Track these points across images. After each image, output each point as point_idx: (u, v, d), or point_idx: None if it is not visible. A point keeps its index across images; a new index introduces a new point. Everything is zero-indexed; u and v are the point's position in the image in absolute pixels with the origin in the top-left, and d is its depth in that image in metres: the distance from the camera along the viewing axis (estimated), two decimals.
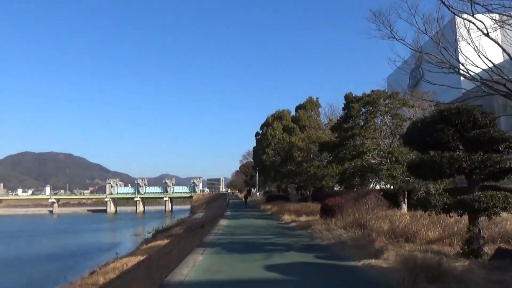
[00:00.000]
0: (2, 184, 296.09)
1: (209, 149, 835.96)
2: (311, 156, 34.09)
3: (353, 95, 24.11)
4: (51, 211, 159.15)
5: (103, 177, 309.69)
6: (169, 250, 23.16)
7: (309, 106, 40.26)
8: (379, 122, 22.25)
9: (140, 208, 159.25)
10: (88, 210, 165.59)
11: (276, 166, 38.98)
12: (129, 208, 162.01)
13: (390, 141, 22.26)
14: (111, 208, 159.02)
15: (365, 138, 21.84)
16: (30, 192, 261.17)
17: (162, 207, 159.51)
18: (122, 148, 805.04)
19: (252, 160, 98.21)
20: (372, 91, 23.67)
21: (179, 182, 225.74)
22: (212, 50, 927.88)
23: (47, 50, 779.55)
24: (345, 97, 24.56)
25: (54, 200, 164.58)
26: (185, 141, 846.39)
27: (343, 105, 24.56)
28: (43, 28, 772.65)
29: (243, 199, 58.92)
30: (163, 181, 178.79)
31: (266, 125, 40.00)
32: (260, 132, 41.90)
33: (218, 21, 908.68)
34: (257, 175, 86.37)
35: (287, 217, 23.48)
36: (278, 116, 39.69)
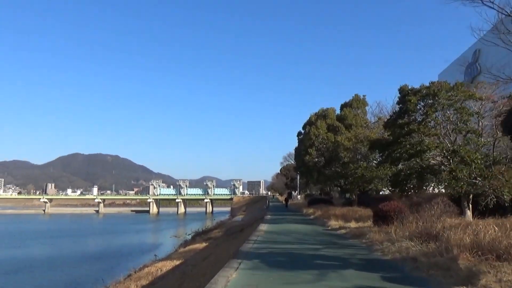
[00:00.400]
0: (53, 184, 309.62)
1: (250, 151, 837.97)
2: (358, 156, 31.40)
3: (409, 87, 21.37)
4: (97, 211, 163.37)
5: (147, 178, 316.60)
6: (206, 256, 21.65)
7: (355, 104, 37.53)
8: (441, 117, 19.38)
9: (182, 209, 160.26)
10: (132, 211, 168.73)
11: (320, 167, 36.44)
12: (171, 209, 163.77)
13: (454, 138, 19.35)
14: (153, 209, 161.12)
15: (424, 135, 19.05)
16: (79, 192, 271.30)
17: (203, 209, 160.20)
18: (165, 150, 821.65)
19: (293, 162, 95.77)
20: (432, 82, 20.85)
21: (220, 184, 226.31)
22: (253, 46, 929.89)
23: (95, 53, 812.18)
24: (399, 90, 21.83)
25: (100, 200, 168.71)
26: (227, 144, 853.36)
27: (397, 99, 21.85)
28: (100, 29, 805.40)
29: (284, 202, 56.69)
30: (204, 183, 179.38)
31: (309, 124, 37.55)
32: (303, 131, 39.47)
33: (264, 17, 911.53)
34: (298, 177, 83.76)
35: (333, 223, 21.05)
36: (322, 115, 37.16)
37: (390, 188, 27.56)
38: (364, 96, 38.73)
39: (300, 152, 38.07)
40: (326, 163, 35.96)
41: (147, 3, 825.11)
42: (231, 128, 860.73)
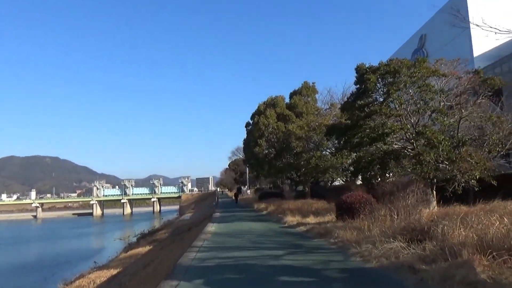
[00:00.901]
0: None
1: (198, 148, 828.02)
2: (311, 146, 29.36)
3: (366, 66, 19.36)
4: (35, 216, 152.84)
5: (91, 179, 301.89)
6: (147, 262, 18.81)
7: (305, 92, 35.54)
8: (404, 96, 17.49)
9: (128, 210, 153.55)
10: (74, 214, 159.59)
11: (271, 159, 34.09)
12: (117, 210, 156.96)
13: (417, 119, 17.55)
14: (97, 211, 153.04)
15: (385, 117, 17.08)
16: (15, 197, 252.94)
17: (151, 208, 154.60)
18: (109, 149, 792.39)
19: (242, 156, 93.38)
20: (390, 60, 18.97)
21: (168, 182, 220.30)
22: (195, 44, 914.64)
23: (29, 49, 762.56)
24: (356, 68, 19.75)
25: (38, 205, 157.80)
26: (173, 141, 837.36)
27: (355, 79, 19.75)
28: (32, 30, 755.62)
29: (234, 198, 54.06)
30: (151, 182, 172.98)
31: (257, 113, 35.01)
32: (251, 122, 36.90)
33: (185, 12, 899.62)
34: (247, 171, 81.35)
35: (290, 219, 18.61)
36: (271, 104, 34.76)
37: (348, 177, 25.74)
38: (313, 83, 36.91)
39: (249, 143, 35.45)
40: (277, 154, 33.65)
41: None
42: (177, 125, 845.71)
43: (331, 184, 35.03)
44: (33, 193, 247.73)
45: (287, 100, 36.56)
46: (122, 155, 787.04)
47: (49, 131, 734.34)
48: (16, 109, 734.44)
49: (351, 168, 19.68)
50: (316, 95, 36.82)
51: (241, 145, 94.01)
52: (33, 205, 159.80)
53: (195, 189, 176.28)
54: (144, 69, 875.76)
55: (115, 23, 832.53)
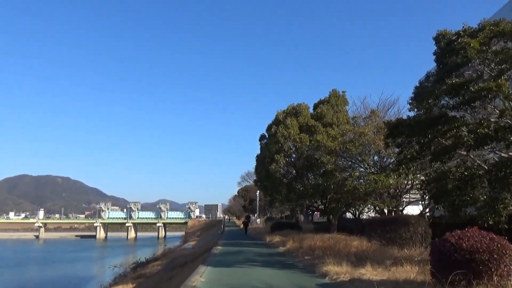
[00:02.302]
0: None
1: (208, 174, 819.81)
2: (345, 163, 22.01)
3: (454, 31, 12.27)
4: (37, 236, 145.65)
5: (100, 201, 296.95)
6: None
7: (333, 101, 28.47)
8: None
9: (132, 234, 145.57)
10: (77, 236, 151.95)
11: (290, 180, 26.63)
12: (121, 234, 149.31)
13: None
14: (100, 234, 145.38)
15: (505, 98, 9.88)
16: (23, 215, 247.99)
17: (156, 234, 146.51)
18: (120, 173, 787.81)
19: (252, 181, 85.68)
20: (496, 21, 11.82)
21: (177, 207, 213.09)
22: (206, 61, 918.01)
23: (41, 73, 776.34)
24: (437, 37, 12.68)
25: (41, 225, 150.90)
26: (184, 167, 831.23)
27: (435, 54, 12.59)
28: (45, 42, 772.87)
29: (242, 227, 46.30)
30: (157, 206, 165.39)
31: (275, 123, 27.61)
32: (267, 134, 29.61)
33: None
34: (258, 197, 73.54)
35: (334, 269, 10.85)
36: (293, 112, 27.38)
37: (402, 206, 18.17)
38: (344, 92, 29.88)
39: (263, 160, 27.91)
40: (298, 174, 26.26)
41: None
42: (188, 150, 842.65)
43: (358, 216, 27.45)
44: (41, 213, 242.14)
45: (311, 110, 29.43)
46: (133, 178, 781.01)
47: (62, 151, 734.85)
48: (31, 127, 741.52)
49: (434, 190, 12.08)
50: (346, 107, 29.68)
51: (252, 169, 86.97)
52: (36, 224, 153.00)
53: (203, 215, 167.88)
54: (156, 98, 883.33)
55: (115, 55, 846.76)
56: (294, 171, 26.69)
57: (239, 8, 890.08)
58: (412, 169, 13.53)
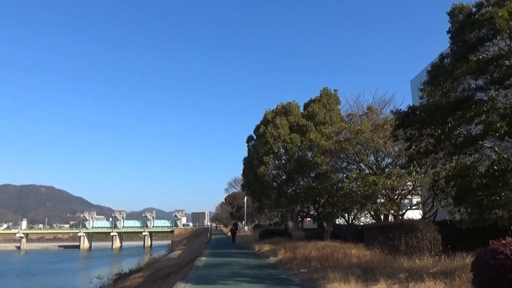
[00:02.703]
0: None
1: (196, 183, 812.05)
2: (339, 164, 20.04)
3: (474, 3, 10.45)
4: (18, 247, 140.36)
5: (85, 210, 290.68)
6: None
7: (325, 100, 26.64)
8: None
9: (117, 243, 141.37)
10: (60, 246, 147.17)
11: (281, 184, 24.59)
12: (107, 244, 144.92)
13: None
14: (84, 244, 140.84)
15: None
16: (5, 226, 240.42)
17: (141, 243, 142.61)
18: (105, 181, 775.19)
19: (239, 188, 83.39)
20: None
21: (164, 216, 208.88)
22: (190, 76, 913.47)
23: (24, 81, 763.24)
24: (452, 12, 10.86)
25: (22, 235, 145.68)
26: (171, 175, 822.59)
27: (450, 32, 10.76)
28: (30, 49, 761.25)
29: (230, 235, 44.00)
30: (143, 215, 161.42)
31: (264, 123, 25.52)
32: (255, 136, 27.50)
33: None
34: (245, 205, 71.30)
35: (340, 287, 8.84)
36: (282, 111, 25.45)
37: (401, 211, 16.22)
38: (335, 91, 28.05)
39: (251, 163, 25.71)
40: (289, 177, 24.25)
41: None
42: (175, 158, 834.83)
43: (351, 222, 25.47)
44: (24, 223, 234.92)
45: (301, 110, 27.47)
46: (119, 187, 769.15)
47: (45, 160, 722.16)
48: (13, 137, 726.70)
49: (457, 189, 10.11)
50: (339, 106, 27.80)
51: (239, 176, 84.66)
52: (17, 235, 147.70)
53: (190, 224, 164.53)
54: (139, 105, 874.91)
55: (101, 60, 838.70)
56: (284, 174, 24.66)
57: (224, 13, 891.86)
58: (425, 165, 11.58)
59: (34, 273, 68.17)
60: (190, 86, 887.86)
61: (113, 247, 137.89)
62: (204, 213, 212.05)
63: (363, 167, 19.02)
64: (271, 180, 24.51)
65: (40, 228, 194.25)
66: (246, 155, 28.16)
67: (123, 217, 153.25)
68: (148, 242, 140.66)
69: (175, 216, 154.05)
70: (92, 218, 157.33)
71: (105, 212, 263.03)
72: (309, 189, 21.10)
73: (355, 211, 17.69)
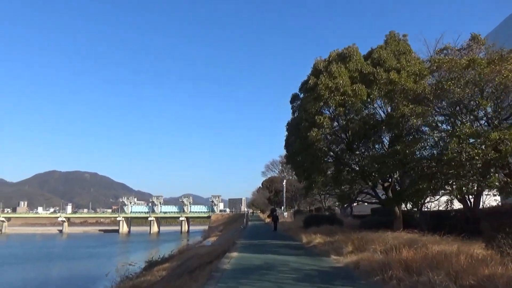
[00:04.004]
0: (26, 202, 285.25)
1: (233, 169, 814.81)
2: (438, 118, 13.09)
3: None
4: (60, 231, 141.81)
5: (127, 196, 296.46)
6: None
7: (393, 47, 19.72)
8: None
9: (155, 228, 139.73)
10: (100, 230, 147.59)
11: (340, 153, 17.92)
12: (145, 228, 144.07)
13: None
14: (123, 228, 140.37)
15: None
16: (52, 210, 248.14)
17: (179, 228, 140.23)
18: (146, 167, 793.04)
19: (278, 171, 76.96)
20: None
21: (201, 202, 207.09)
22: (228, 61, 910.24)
23: (70, 70, 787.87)
24: None
25: (64, 219, 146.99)
26: (210, 161, 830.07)
27: None
28: (74, 39, 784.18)
29: (271, 222, 37.66)
30: (180, 200, 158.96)
31: (314, 74, 19.07)
32: (300, 94, 20.70)
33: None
34: (284, 189, 64.94)
35: None
36: (341, 57, 18.60)
37: None
38: (404, 36, 20.95)
39: (296, 127, 18.86)
40: (350, 145, 17.51)
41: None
42: (214, 144, 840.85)
43: (421, 207, 18.67)
44: (69, 207, 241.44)
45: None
46: (158, 174, 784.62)
47: (90, 147, 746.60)
48: (60, 123, 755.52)
49: None
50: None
51: (277, 158, 77.99)
52: (59, 219, 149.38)
53: (227, 209, 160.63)
54: (182, 94, 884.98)
55: (149, 51, 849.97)
56: (346, 140, 17.89)
57: None
58: None
59: (70, 258, 66.36)
60: (228, 72, 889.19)
61: (151, 232, 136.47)
62: (241, 199, 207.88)
63: (475, 119, 12.08)
64: (326, 148, 17.89)
65: (84, 213, 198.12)
66: (290, 119, 21.40)
67: (160, 202, 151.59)
68: (185, 227, 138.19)
69: (212, 201, 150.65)
70: (130, 203, 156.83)
71: (145, 197, 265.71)
72: (384, 157, 14.43)
73: (470, 185, 10.96)
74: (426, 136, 12.76)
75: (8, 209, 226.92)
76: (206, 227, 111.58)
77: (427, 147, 12.55)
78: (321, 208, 53.69)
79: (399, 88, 13.25)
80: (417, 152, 12.85)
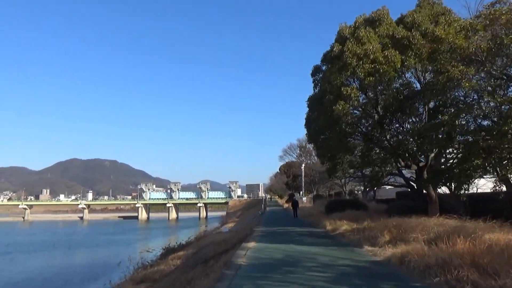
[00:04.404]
0: (48, 190, 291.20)
1: (250, 155, 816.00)
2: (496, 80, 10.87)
3: None
4: (81, 218, 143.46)
5: (145, 183, 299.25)
6: None
7: (428, 11, 17.28)
8: None
9: (173, 215, 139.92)
10: (120, 217, 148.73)
11: (370, 129, 15.79)
12: (164, 215, 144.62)
13: None
14: (142, 214, 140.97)
15: None
16: (73, 197, 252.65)
17: (197, 214, 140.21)
18: (165, 155, 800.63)
19: (296, 155, 74.89)
20: None
21: (219, 188, 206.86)
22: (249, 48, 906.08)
23: (91, 60, 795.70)
24: None
25: (84, 206, 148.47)
26: (228, 147, 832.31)
27: None
28: (96, 27, 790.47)
29: (291, 208, 35.61)
30: (198, 186, 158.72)
31: (340, 41, 16.80)
32: (323, 67, 18.39)
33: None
34: (302, 173, 62.89)
35: None
36: (369, 21, 16.30)
37: None
38: None
39: (320, 101, 16.64)
40: (381, 119, 15.37)
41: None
42: (232, 131, 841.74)
43: (455, 190, 16.48)
44: (90, 195, 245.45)
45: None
46: (176, 161, 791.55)
47: (109, 135, 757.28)
48: (80, 112, 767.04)
49: None
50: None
51: (295, 141, 75.76)
52: (79, 206, 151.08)
53: (245, 195, 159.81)
54: (198, 82, 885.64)
55: (167, 38, 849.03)
56: (377, 115, 15.66)
57: None
58: None
59: (88, 245, 65.88)
60: (243, 56, 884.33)
61: (170, 218, 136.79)
62: (258, 184, 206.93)
63: None
64: (355, 125, 15.71)
65: (105, 200, 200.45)
66: (312, 93, 19.12)
67: (178, 189, 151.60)
68: (203, 213, 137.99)
69: (230, 187, 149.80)
70: (149, 189, 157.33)
71: (164, 184, 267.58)
72: (426, 130, 12.25)
73: None
74: (478, 104, 10.54)
75: (31, 197, 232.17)
76: (224, 213, 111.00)
77: (481, 116, 10.38)
78: (341, 192, 51.60)
79: (446, 47, 11.03)
80: (469, 123, 10.71)
